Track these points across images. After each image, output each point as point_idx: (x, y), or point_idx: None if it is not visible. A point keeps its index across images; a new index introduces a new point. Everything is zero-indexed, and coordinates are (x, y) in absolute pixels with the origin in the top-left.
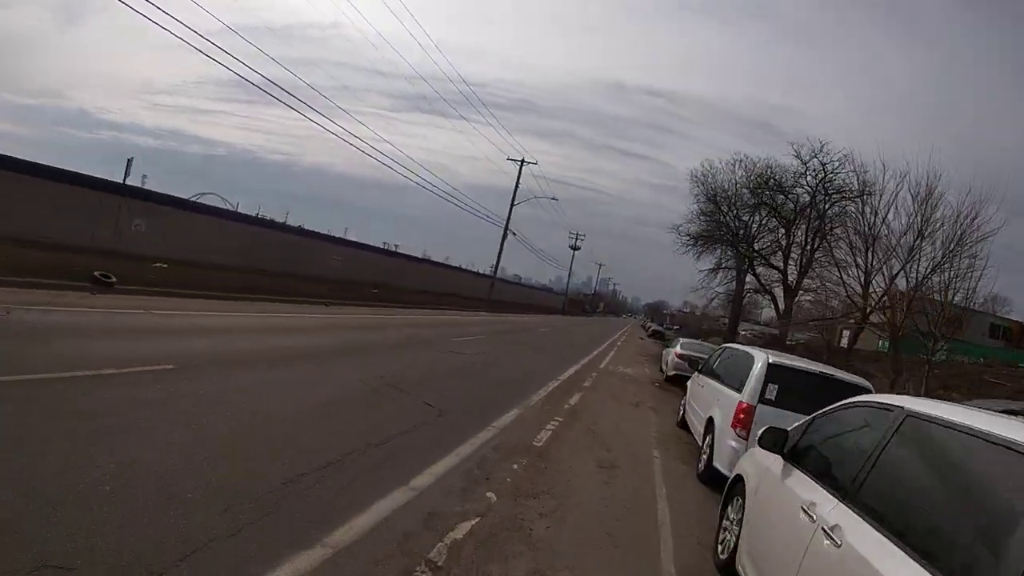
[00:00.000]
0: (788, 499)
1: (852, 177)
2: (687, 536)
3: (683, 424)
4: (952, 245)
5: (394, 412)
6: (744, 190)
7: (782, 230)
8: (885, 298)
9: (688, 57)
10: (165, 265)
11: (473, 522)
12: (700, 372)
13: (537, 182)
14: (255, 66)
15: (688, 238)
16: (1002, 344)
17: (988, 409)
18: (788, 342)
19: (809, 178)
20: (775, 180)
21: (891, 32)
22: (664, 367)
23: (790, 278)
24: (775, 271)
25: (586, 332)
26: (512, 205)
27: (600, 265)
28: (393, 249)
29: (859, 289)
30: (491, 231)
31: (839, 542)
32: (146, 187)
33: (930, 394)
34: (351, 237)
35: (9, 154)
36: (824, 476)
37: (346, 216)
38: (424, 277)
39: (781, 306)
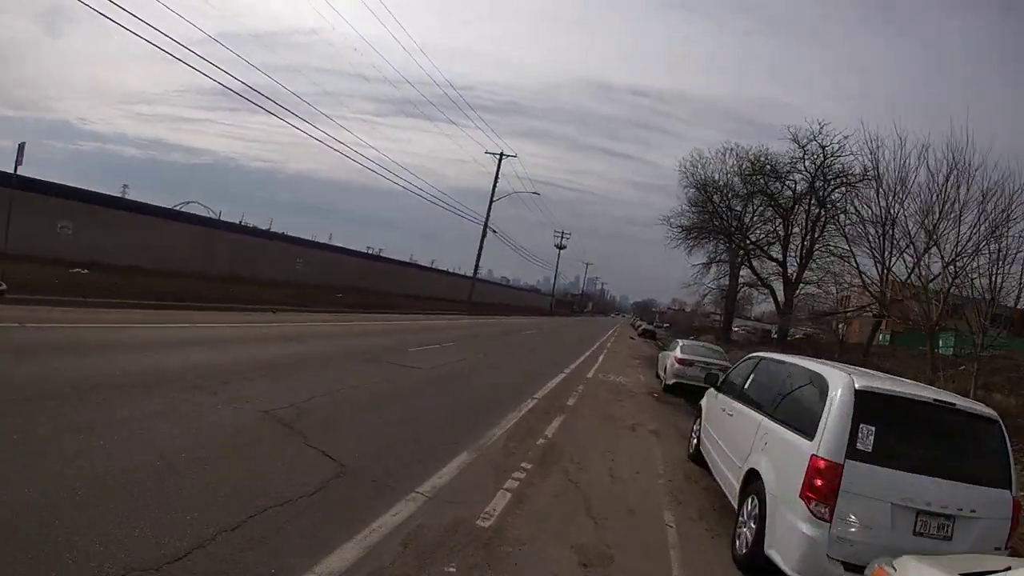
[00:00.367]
0: None
1: (857, 159)
2: None
3: (698, 457)
4: (992, 224)
5: (266, 472)
6: (736, 179)
7: (779, 220)
8: (917, 284)
9: (674, 54)
10: (86, 271)
11: None
12: (721, 390)
13: (523, 183)
14: (238, 74)
15: (680, 230)
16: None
17: None
18: (787, 338)
19: (807, 163)
20: (770, 166)
21: (877, 23)
22: (662, 374)
23: (790, 270)
24: (773, 263)
25: (574, 333)
26: (491, 201)
27: (587, 264)
28: (376, 253)
29: (876, 277)
30: (478, 233)
31: None
32: (126, 196)
33: (975, 395)
34: (336, 242)
35: None
36: None
37: (331, 222)
38: (405, 281)
39: (781, 299)
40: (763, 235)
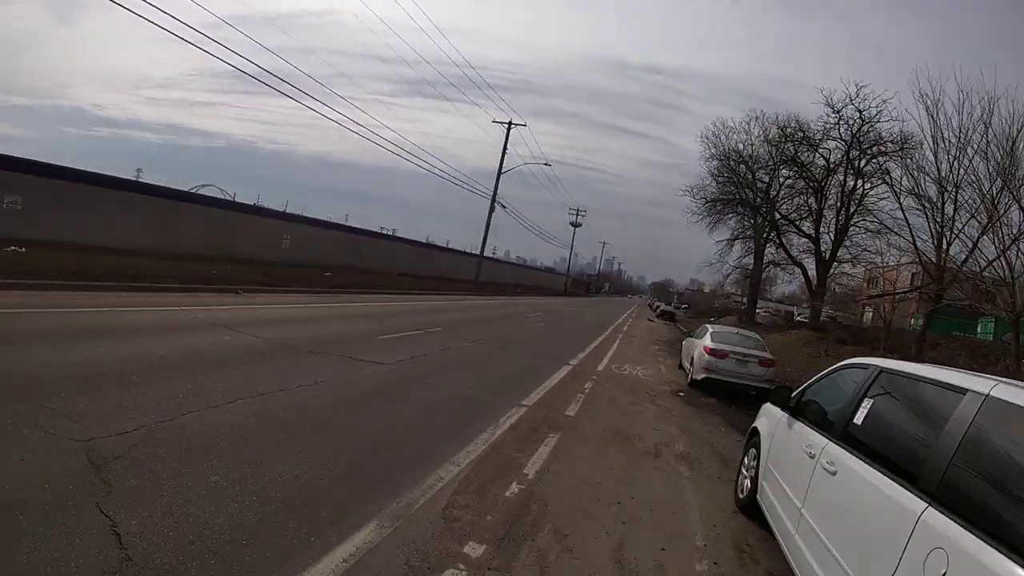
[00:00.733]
0: None
1: (898, 124)
2: None
3: (752, 506)
4: None
5: None
6: (761, 149)
7: (811, 192)
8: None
9: (687, 31)
10: (22, 249)
11: None
12: (800, 415)
13: (537, 159)
14: (252, 56)
15: (704, 202)
16: None
17: None
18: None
19: (842, 130)
20: (802, 132)
21: None
22: (687, 364)
23: (823, 247)
24: (805, 239)
25: (588, 315)
26: (499, 172)
27: (604, 244)
28: (375, 231)
29: (930, 253)
30: (498, 214)
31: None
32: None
33: None
34: (354, 223)
35: None
36: None
37: (347, 203)
38: (408, 259)
39: (813, 279)
40: (793, 208)
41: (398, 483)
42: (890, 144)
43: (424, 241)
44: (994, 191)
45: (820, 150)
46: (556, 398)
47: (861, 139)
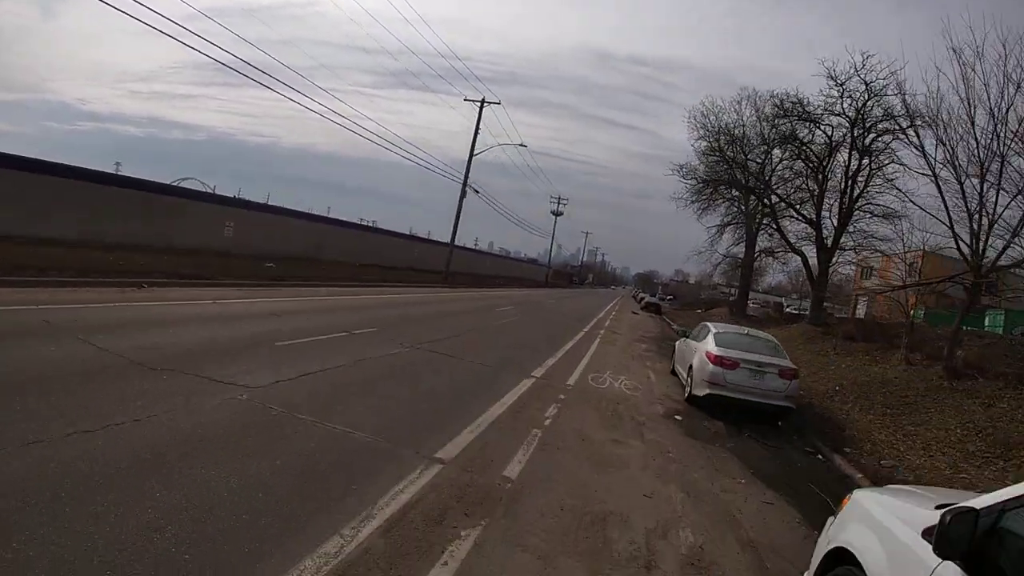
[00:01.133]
0: None
1: (910, 97)
2: None
3: None
4: None
5: None
6: (754, 129)
7: (810, 173)
8: None
9: (673, 22)
10: None
11: None
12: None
13: (520, 152)
14: (232, 48)
15: (694, 182)
16: None
17: None
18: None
19: (845, 104)
20: (801, 107)
21: None
22: (682, 372)
23: (824, 233)
24: (803, 225)
25: (567, 308)
26: (471, 153)
27: (587, 233)
28: (371, 224)
29: (966, 240)
30: (478, 207)
31: None
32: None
33: None
34: (335, 215)
35: None
36: None
37: (330, 195)
38: (371, 248)
39: (815, 268)
40: (792, 190)
41: None
42: (900, 119)
43: (397, 231)
44: None
45: (821, 126)
46: (498, 441)
47: (865, 116)
